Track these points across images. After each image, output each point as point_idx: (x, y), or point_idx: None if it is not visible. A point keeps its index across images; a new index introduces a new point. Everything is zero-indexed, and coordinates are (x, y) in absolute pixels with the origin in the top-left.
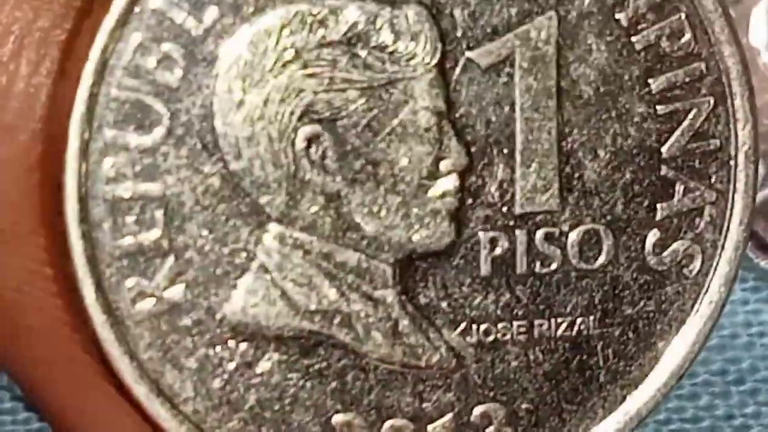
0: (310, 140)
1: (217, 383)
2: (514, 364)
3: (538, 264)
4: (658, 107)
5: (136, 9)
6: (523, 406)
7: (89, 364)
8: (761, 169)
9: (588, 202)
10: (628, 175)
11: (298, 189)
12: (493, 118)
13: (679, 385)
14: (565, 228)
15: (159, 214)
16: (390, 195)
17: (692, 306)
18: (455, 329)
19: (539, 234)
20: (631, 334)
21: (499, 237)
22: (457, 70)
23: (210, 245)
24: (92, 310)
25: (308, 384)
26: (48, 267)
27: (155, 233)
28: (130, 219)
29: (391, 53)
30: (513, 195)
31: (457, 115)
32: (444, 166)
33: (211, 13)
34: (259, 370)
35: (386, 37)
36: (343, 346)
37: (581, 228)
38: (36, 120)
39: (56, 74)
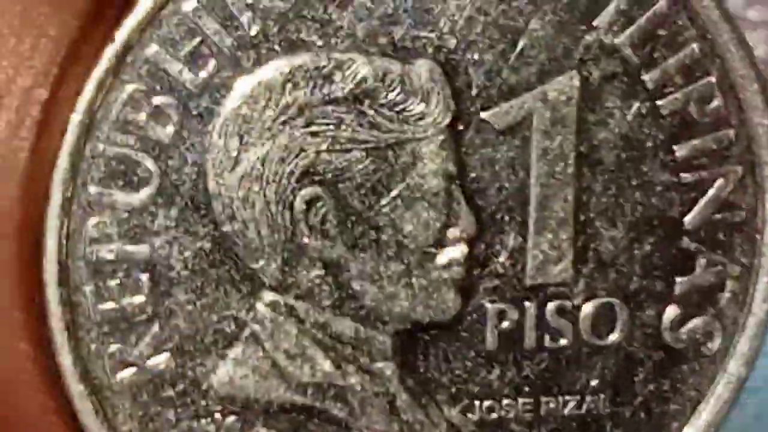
0: (310, 203)
1: None
2: None
3: (547, 338)
4: (682, 175)
5: (129, 58)
6: None
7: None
8: None
9: (603, 274)
10: (647, 247)
11: (295, 255)
12: (507, 184)
13: None
14: (578, 301)
15: (144, 278)
16: (393, 262)
17: (709, 386)
18: (456, 405)
19: (550, 307)
20: (643, 415)
21: (508, 309)
22: (470, 131)
23: (198, 312)
24: (69, 378)
25: None
26: (24, 340)
27: (139, 298)
28: (113, 282)
29: (400, 112)
30: (524, 265)
31: (468, 180)
32: (452, 233)
33: (209, 65)
34: None
35: (396, 95)
36: (336, 421)
37: (595, 301)
38: (16, 184)
39: (38, 129)
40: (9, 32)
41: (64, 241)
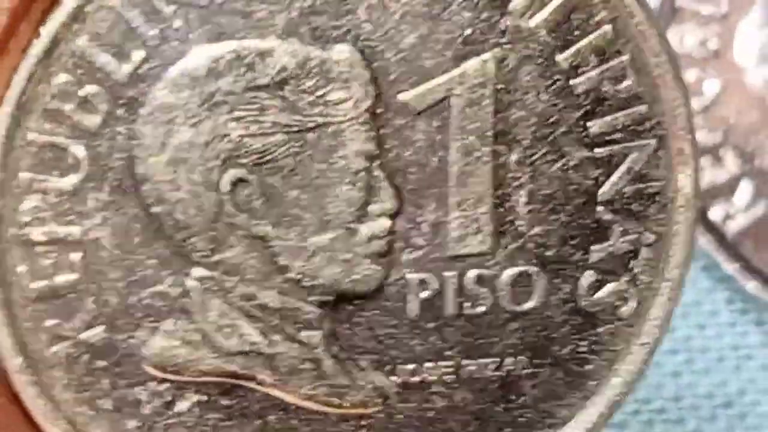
0: (235, 183)
1: (133, 424)
2: (440, 404)
3: (467, 305)
4: (596, 150)
5: (56, 53)
6: None
7: (3, 405)
8: (749, 190)
9: (521, 245)
10: (563, 218)
11: (222, 232)
12: (426, 162)
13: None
14: (497, 270)
15: (77, 257)
16: (317, 238)
17: (624, 348)
18: (380, 369)
19: (470, 275)
20: (561, 374)
21: (429, 279)
22: (390, 113)
23: (129, 288)
24: (6, 352)
25: (228, 424)
26: None
27: (73, 276)
28: (46, 262)
29: (321, 96)
30: (444, 237)
31: (388, 158)
32: (373, 209)
33: (135, 56)
34: (177, 410)
35: (316, 81)
36: (264, 386)
37: (513, 270)
38: None
39: None
40: None
41: None
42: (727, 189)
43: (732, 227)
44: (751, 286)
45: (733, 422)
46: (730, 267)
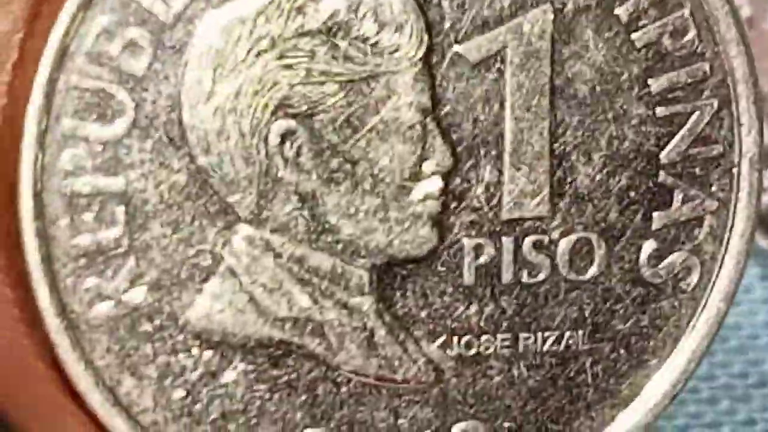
0: (284, 136)
1: (178, 393)
2: (496, 379)
3: (525, 274)
4: (657, 109)
5: None
6: (506, 424)
7: (42, 370)
8: None
9: (580, 208)
10: (623, 181)
11: (270, 188)
12: (482, 117)
13: (696, 388)
14: (555, 236)
15: (120, 211)
16: (368, 196)
17: (688, 322)
18: (435, 341)
19: (527, 242)
20: (622, 351)
21: (485, 244)
22: (444, 64)
23: (174, 246)
24: (46, 312)
25: (276, 396)
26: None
27: (115, 231)
28: (88, 216)
29: (374, 45)
30: (500, 199)
31: (443, 113)
32: (427, 167)
33: None
34: (223, 380)
35: (369, 27)
36: (314, 356)
37: (572, 236)
38: None
39: (15, 70)
40: None
41: (39, 174)
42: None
43: (765, 201)
44: None
45: (767, 402)
46: (764, 242)
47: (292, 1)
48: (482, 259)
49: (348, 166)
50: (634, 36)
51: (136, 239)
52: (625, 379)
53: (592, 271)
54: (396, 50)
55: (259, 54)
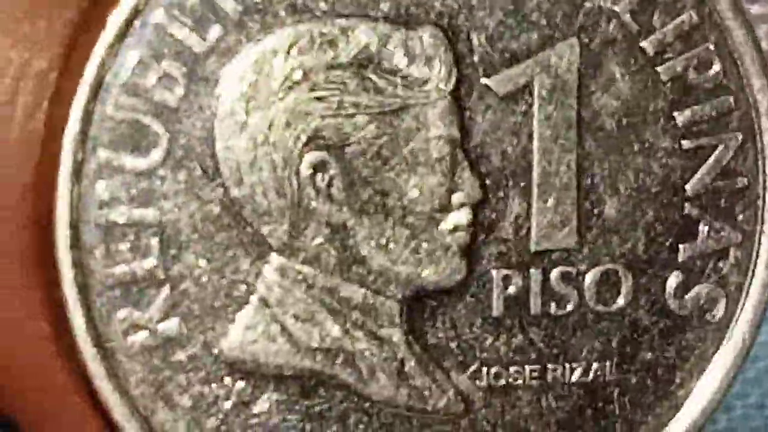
0: (316, 167)
1: (211, 423)
2: (525, 410)
3: (553, 305)
4: (683, 142)
5: (136, 23)
6: None
7: (79, 399)
8: None
9: (607, 240)
10: (650, 213)
11: (302, 219)
12: (510, 149)
13: (714, 419)
14: (583, 267)
15: (154, 241)
16: (399, 227)
17: (714, 353)
18: (464, 372)
19: (555, 273)
20: (649, 382)
21: (513, 275)
22: (473, 97)
23: (207, 276)
24: (82, 342)
25: (308, 426)
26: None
27: (150, 262)
28: (123, 246)
29: (404, 77)
30: (528, 231)
31: (472, 145)
32: (456, 198)
33: (215, 30)
34: (256, 410)
35: (399, 60)
36: (345, 386)
37: (599, 268)
38: (30, 171)
39: (51, 107)
40: (23, 16)
41: (75, 205)
42: None
43: None
44: None
45: None
46: None
47: (324, 34)
48: (511, 290)
49: (378, 198)
50: (659, 69)
51: (170, 269)
52: (651, 410)
53: (619, 302)
54: (426, 83)
55: (291, 86)
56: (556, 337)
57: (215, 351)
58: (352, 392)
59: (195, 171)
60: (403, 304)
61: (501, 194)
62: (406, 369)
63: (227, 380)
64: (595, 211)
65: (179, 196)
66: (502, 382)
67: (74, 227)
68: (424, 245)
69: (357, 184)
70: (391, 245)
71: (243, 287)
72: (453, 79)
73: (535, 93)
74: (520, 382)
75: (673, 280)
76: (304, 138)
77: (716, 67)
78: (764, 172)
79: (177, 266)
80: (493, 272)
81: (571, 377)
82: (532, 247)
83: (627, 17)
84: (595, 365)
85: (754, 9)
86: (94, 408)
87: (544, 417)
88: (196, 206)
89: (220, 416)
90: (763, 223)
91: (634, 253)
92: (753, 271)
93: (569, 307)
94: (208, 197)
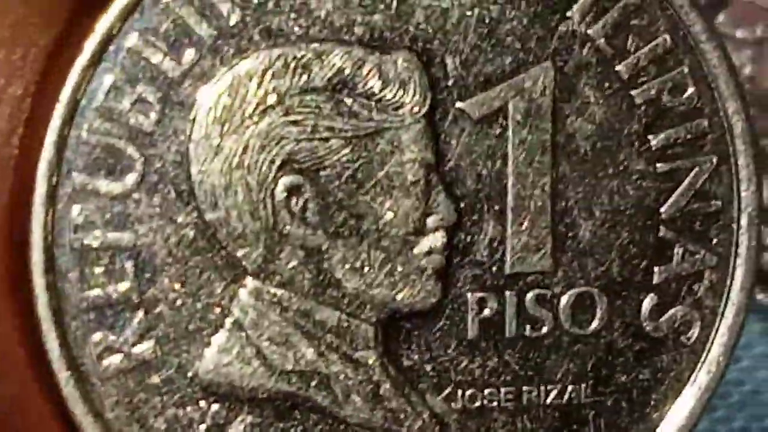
0: (291, 191)
1: None
2: None
3: (528, 327)
4: (657, 165)
5: (111, 48)
6: None
7: (56, 425)
8: None
9: (582, 263)
10: (624, 236)
11: (277, 242)
12: (484, 173)
13: None
14: (558, 290)
15: (129, 265)
16: (373, 251)
17: (689, 375)
18: (439, 394)
19: (530, 296)
20: (624, 404)
21: (488, 298)
22: (448, 120)
23: (182, 299)
24: (57, 365)
25: None
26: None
27: (125, 285)
28: (98, 269)
29: (378, 101)
30: (503, 254)
31: (447, 169)
32: (431, 221)
33: (190, 54)
34: None
35: (373, 84)
36: (320, 409)
37: (574, 290)
38: (6, 191)
39: (26, 131)
40: (0, 44)
41: (50, 229)
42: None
43: (766, 256)
44: None
45: None
46: (764, 298)
47: (298, 58)
48: (486, 313)
49: (353, 221)
50: (634, 92)
51: (144, 293)
52: None
53: (594, 325)
54: (400, 106)
55: (265, 110)
56: (531, 359)
57: (190, 374)
58: (327, 415)
59: (170, 195)
60: (378, 326)
61: (476, 217)
62: (381, 392)
63: (202, 403)
64: (570, 234)
65: (154, 219)
66: (477, 404)
67: (49, 251)
68: (399, 268)
69: (332, 208)
70: (366, 268)
71: (218, 310)
72: (427, 103)
73: (510, 116)
74: (495, 404)
75: (648, 302)
76: (278, 162)
77: (690, 90)
78: (739, 195)
79: (152, 290)
80: (468, 295)
81: (546, 399)
82: (507, 270)
83: (601, 41)
84: (570, 387)
85: (738, 33)
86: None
87: None
88: (170, 230)
89: None
90: (737, 246)
91: (609, 275)
92: (728, 293)
93: (544, 330)
94: (182, 221)
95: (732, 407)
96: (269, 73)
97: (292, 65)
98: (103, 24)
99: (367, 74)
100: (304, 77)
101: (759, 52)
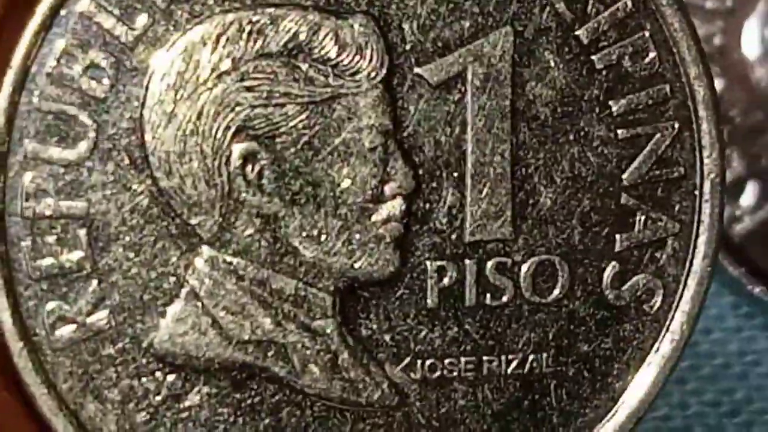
0: (246, 158)
1: (141, 417)
2: (461, 402)
3: (488, 296)
4: (619, 131)
5: (62, 12)
6: None
7: (6, 398)
8: (755, 192)
9: (543, 231)
10: (585, 203)
11: (233, 210)
12: (443, 139)
13: (670, 416)
14: (518, 258)
15: (82, 233)
16: (331, 218)
17: (652, 345)
18: (398, 364)
19: (490, 264)
20: (586, 374)
21: (447, 266)
22: (406, 86)
23: (137, 269)
24: (9, 336)
25: (240, 420)
26: None
27: (78, 254)
28: (50, 238)
29: (335, 66)
30: (462, 222)
31: (405, 135)
32: (389, 189)
33: (143, 19)
34: (187, 403)
35: (329, 49)
36: (278, 379)
37: (535, 258)
38: None
39: None
40: None
41: (1, 197)
42: (733, 191)
43: (738, 230)
44: (758, 291)
45: (740, 431)
46: (735, 270)
47: (253, 23)
48: (445, 282)
49: (310, 188)
50: (594, 57)
51: (98, 262)
52: (589, 402)
53: (555, 293)
54: (357, 72)
55: (220, 76)
56: (492, 328)
57: (145, 344)
58: (285, 385)
59: (123, 162)
60: (336, 295)
61: (434, 185)
62: (340, 361)
63: (158, 374)
64: (530, 201)
65: (107, 187)
66: (437, 374)
67: (0, 219)
68: (357, 236)
69: (288, 175)
70: (323, 236)
71: (173, 280)
72: (385, 68)
73: (469, 82)
74: (455, 374)
75: (609, 270)
76: (233, 128)
77: (652, 55)
78: (702, 161)
79: (105, 259)
80: (428, 263)
81: (507, 369)
82: (467, 238)
83: (561, 5)
84: (531, 357)
85: (708, 4)
86: (26, 406)
87: (479, 409)
88: (124, 198)
89: (151, 410)
90: (700, 213)
91: (570, 243)
92: (691, 261)
93: (505, 299)
94: (136, 189)
95: (703, 380)
96: (224, 38)
97: (247, 30)
98: None
99: (324, 39)
100: (259, 42)
101: (729, 22)
